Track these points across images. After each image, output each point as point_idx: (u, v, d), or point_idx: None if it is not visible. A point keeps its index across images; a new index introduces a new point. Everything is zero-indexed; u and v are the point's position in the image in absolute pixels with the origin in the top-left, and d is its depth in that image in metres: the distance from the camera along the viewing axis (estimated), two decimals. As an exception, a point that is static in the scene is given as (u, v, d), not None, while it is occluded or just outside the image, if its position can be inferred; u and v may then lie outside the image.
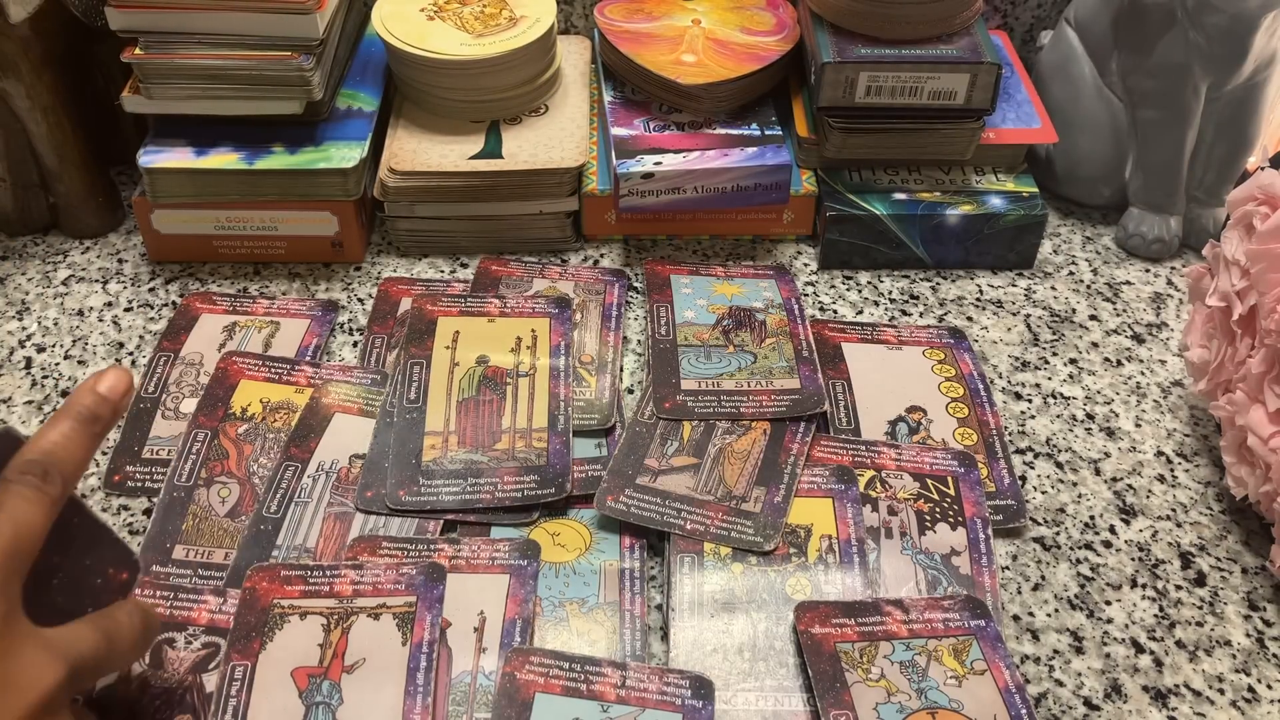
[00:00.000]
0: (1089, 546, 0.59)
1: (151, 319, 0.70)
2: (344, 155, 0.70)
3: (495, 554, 0.55)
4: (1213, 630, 0.56)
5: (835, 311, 0.72)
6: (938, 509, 0.59)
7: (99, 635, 0.42)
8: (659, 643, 0.54)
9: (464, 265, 0.74)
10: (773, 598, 0.55)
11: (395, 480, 0.59)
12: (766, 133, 0.74)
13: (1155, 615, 0.56)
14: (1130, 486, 0.62)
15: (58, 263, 0.74)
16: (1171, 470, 0.63)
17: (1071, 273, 0.76)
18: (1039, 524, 0.60)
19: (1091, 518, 0.61)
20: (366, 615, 0.52)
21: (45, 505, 0.41)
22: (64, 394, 0.65)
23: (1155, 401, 0.67)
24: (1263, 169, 0.57)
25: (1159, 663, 0.54)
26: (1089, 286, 0.75)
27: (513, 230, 0.75)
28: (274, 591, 0.53)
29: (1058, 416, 0.66)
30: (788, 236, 0.77)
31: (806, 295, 0.73)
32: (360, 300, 0.72)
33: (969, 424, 0.64)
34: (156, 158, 0.69)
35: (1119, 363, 0.70)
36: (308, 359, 0.66)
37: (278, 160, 0.70)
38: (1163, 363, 0.70)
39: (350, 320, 0.70)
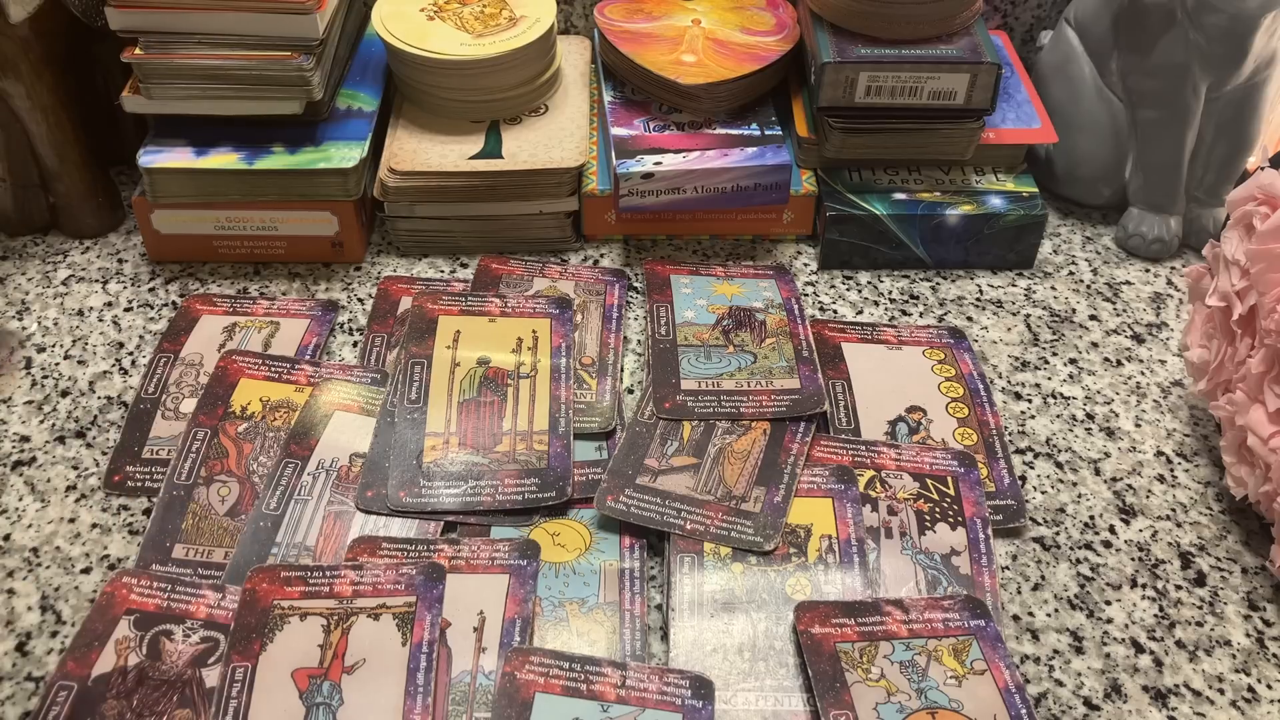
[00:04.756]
0: (1089, 546, 0.59)
1: (151, 319, 0.70)
2: (344, 155, 0.70)
3: (495, 554, 0.55)
4: (1213, 630, 0.56)
5: (835, 311, 0.72)
6: (938, 509, 0.59)
7: None
8: (659, 643, 0.54)
9: (464, 265, 0.74)
10: (773, 598, 0.55)
11: (396, 481, 0.59)
12: (766, 133, 0.74)
13: (1155, 615, 0.56)
14: (1130, 486, 0.62)
15: (58, 263, 0.74)
16: (1171, 470, 0.63)
17: (1071, 273, 0.76)
18: (1039, 524, 0.60)
19: (1091, 518, 0.61)
20: (366, 616, 0.52)
21: None
22: (64, 394, 0.65)
23: (1155, 401, 0.67)
24: (1263, 169, 0.57)
25: (1159, 663, 0.54)
26: (1089, 286, 0.75)
27: (513, 230, 0.75)
28: (274, 593, 0.53)
29: (1058, 416, 0.66)
30: (788, 236, 0.77)
31: (806, 295, 0.73)
32: (360, 300, 0.72)
33: (969, 424, 0.64)
34: (156, 158, 0.69)
35: (1119, 363, 0.70)
36: (307, 358, 0.66)
37: (278, 160, 0.70)
38: (1163, 363, 0.70)
39: (350, 320, 0.70)
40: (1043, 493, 0.62)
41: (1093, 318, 0.73)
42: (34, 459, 0.62)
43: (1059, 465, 0.63)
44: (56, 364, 0.67)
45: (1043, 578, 0.58)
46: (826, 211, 0.73)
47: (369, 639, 0.51)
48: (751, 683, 0.52)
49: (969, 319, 0.72)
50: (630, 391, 0.66)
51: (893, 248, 0.74)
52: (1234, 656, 0.55)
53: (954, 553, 0.57)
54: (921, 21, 0.71)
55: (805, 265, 0.75)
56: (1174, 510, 0.61)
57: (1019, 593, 0.57)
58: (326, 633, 0.51)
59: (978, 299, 0.73)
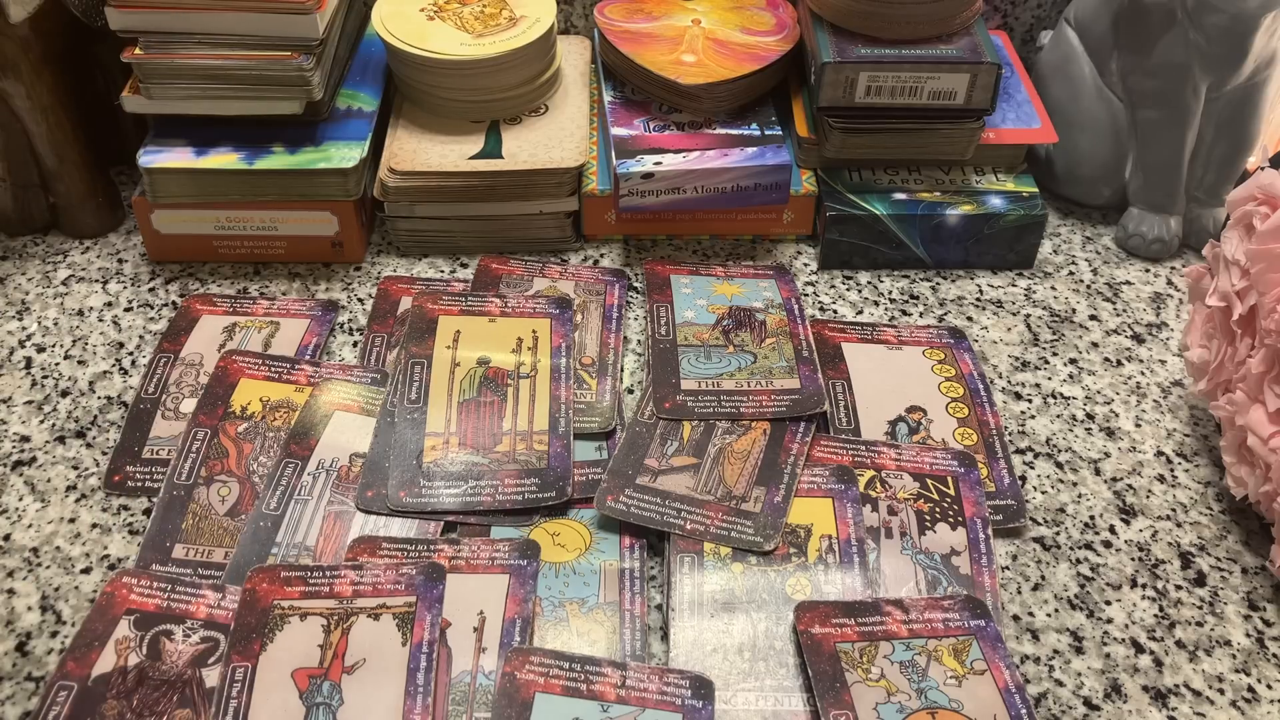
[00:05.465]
0: (1089, 546, 0.59)
1: (151, 319, 0.70)
2: (344, 155, 0.70)
3: (495, 554, 0.55)
4: (1213, 630, 0.56)
5: (835, 311, 0.72)
6: (938, 509, 0.59)
7: None
8: (659, 643, 0.54)
9: (464, 265, 0.74)
10: (773, 598, 0.55)
11: (396, 481, 0.59)
12: (766, 133, 0.74)
13: (1155, 615, 0.56)
14: (1130, 486, 0.62)
15: (58, 263, 0.74)
16: (1171, 470, 0.63)
17: (1071, 273, 0.76)
18: (1039, 524, 0.60)
19: (1091, 518, 0.61)
20: (366, 616, 0.52)
21: None
22: (64, 394, 0.65)
23: (1155, 401, 0.67)
24: (1263, 169, 0.57)
25: (1159, 663, 0.54)
26: (1089, 286, 0.75)
27: (513, 230, 0.75)
28: (274, 593, 0.53)
29: (1058, 416, 0.66)
30: (788, 236, 0.77)
31: (806, 295, 0.73)
32: (360, 300, 0.72)
33: (969, 424, 0.64)
34: (156, 158, 0.69)
35: (1119, 363, 0.70)
36: (307, 358, 0.66)
37: (278, 160, 0.70)
38: (1163, 363, 0.70)
39: (350, 320, 0.70)
40: (1043, 493, 0.62)
41: (1093, 318, 0.73)
42: (34, 459, 0.62)
43: (1059, 465, 0.63)
44: (56, 364, 0.67)
45: (1043, 578, 0.58)
46: (826, 211, 0.73)
47: (369, 639, 0.51)
48: (751, 683, 0.52)
49: (969, 319, 0.72)
50: (630, 391, 0.66)
51: (893, 248, 0.74)
52: (1234, 656, 0.55)
53: (954, 553, 0.57)
54: (921, 21, 0.71)
55: (805, 265, 0.75)
56: (1174, 510, 0.61)
57: (1019, 593, 0.57)
58: (326, 633, 0.51)
59: (978, 299, 0.73)
